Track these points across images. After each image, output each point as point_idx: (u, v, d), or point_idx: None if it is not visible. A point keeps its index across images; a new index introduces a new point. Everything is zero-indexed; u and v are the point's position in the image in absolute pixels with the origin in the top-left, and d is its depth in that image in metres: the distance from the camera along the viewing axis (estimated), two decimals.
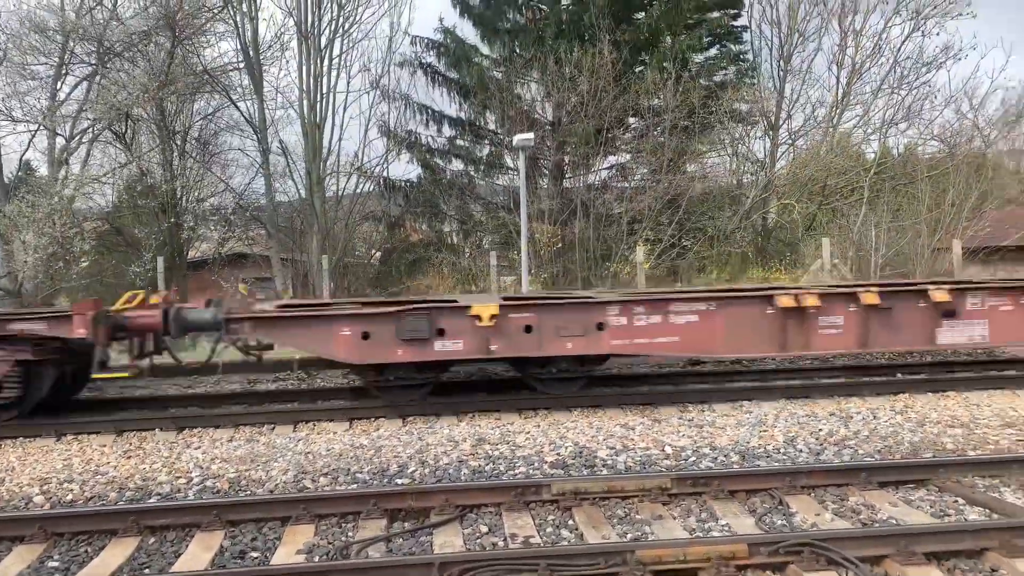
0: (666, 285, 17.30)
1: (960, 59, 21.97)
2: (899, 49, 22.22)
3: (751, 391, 8.47)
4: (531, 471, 5.95)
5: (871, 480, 5.38)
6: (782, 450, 6.36)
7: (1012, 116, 23.27)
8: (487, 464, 6.16)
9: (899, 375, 9.44)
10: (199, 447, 7.01)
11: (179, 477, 6.10)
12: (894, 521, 4.75)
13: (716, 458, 6.16)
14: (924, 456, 6.06)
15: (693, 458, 6.18)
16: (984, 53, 37.84)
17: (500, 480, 5.68)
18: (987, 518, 4.76)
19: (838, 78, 23.13)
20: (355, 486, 5.75)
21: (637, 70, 21.56)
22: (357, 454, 6.56)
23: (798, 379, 9.28)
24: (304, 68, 20.88)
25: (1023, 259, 17.97)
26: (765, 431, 6.93)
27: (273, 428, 7.61)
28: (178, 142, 21.29)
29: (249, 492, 5.70)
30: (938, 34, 22.35)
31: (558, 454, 6.35)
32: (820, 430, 6.91)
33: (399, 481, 5.83)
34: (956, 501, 5.11)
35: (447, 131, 23.06)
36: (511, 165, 22.10)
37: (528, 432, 7.09)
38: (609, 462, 6.12)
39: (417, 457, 6.39)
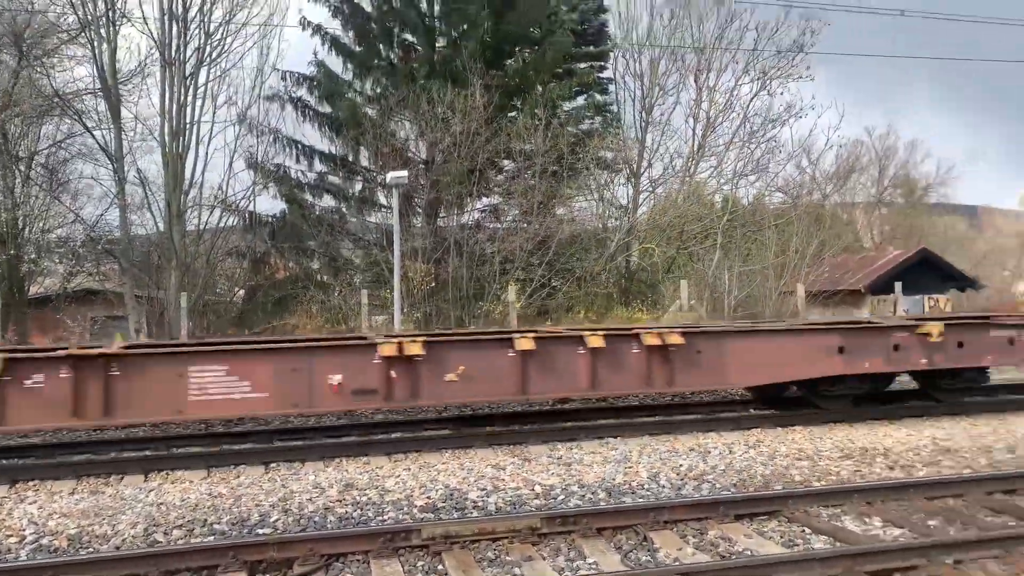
0: (538, 323, 17.61)
1: (801, 117, 24.01)
2: (748, 106, 24.05)
3: (617, 428, 8.74)
4: (400, 516, 5.83)
5: (728, 513, 5.64)
6: (646, 486, 6.57)
7: (844, 172, 25.62)
8: (355, 510, 5.98)
9: (751, 410, 10.01)
10: (35, 501, 6.40)
11: (9, 536, 5.54)
12: (749, 552, 4.99)
13: (584, 496, 6.27)
14: (775, 488, 6.43)
15: (562, 496, 6.27)
16: (821, 113, 41.61)
17: (368, 527, 5.53)
18: (831, 546, 5.10)
19: (694, 131, 24.71)
20: (212, 538, 5.42)
21: (510, 114, 22.10)
22: (215, 504, 6.20)
23: (660, 415, 9.68)
24: (167, 96, 19.99)
25: (856, 302, 19.69)
26: (630, 467, 7.14)
27: (122, 478, 7.08)
28: (21, 168, 19.71)
29: (92, 550, 5.25)
30: (782, 94, 24.32)
31: (428, 497, 6.27)
32: (681, 465, 7.20)
33: (260, 531, 5.55)
34: (803, 531, 5.44)
35: (318, 166, 22.65)
36: (384, 202, 21.95)
37: (398, 476, 6.96)
38: (480, 504, 6.09)
39: (280, 505, 6.11)
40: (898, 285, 18.25)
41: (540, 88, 21.97)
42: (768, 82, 23.87)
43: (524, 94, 22.36)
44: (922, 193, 31.17)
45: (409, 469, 7.19)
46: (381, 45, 22.87)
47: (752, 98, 24.16)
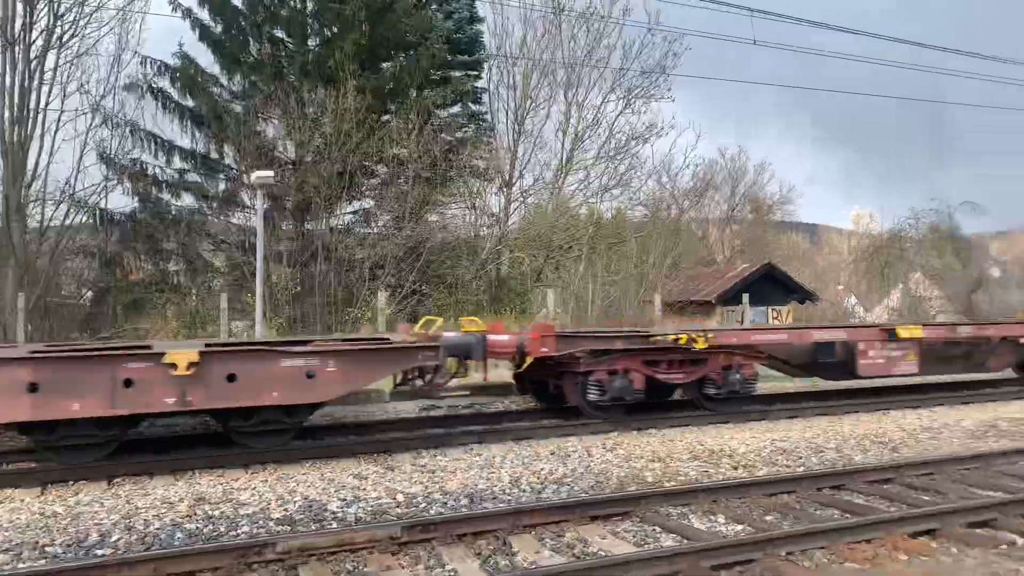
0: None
1: (662, 136, 25.29)
2: (614, 123, 25.02)
3: (482, 434, 8.85)
4: (255, 530, 5.64)
5: (585, 515, 5.84)
6: (508, 491, 6.69)
7: (700, 189, 27.12)
8: (206, 526, 5.73)
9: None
10: None
11: None
12: (603, 553, 5.18)
13: (447, 503, 6.31)
14: (630, 489, 6.71)
15: (424, 504, 6.27)
16: (680, 132, 43.86)
17: (219, 542, 5.31)
18: (678, 543, 5.38)
19: (563, 144, 25.43)
20: (43, 562, 5.04)
21: (383, 119, 21.89)
22: (49, 524, 5.76)
23: (526, 421, 9.87)
24: (8, 79, 18.39)
25: (708, 312, 20.90)
26: (492, 473, 7.25)
27: None
28: None
29: None
30: (645, 112, 25.55)
31: (286, 510, 6.10)
32: (542, 469, 7.38)
33: (99, 552, 5.21)
34: (654, 529, 5.71)
35: (178, 163, 21.49)
36: (248, 203, 21.13)
37: (254, 488, 6.72)
38: (340, 514, 6.00)
39: (123, 523, 5.76)
40: (745, 297, 19.51)
41: (415, 93, 21.92)
42: (633, 101, 24.97)
43: (399, 99, 22.23)
44: (768, 211, 33.62)
45: (266, 481, 6.97)
46: (251, 39, 22.06)
47: (617, 115, 25.19)
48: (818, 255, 40.11)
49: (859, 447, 8.64)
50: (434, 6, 24.02)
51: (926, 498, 6.43)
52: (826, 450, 8.48)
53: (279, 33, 22.14)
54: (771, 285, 22.63)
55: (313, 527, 5.71)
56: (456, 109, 24.68)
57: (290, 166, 21.31)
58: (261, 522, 5.79)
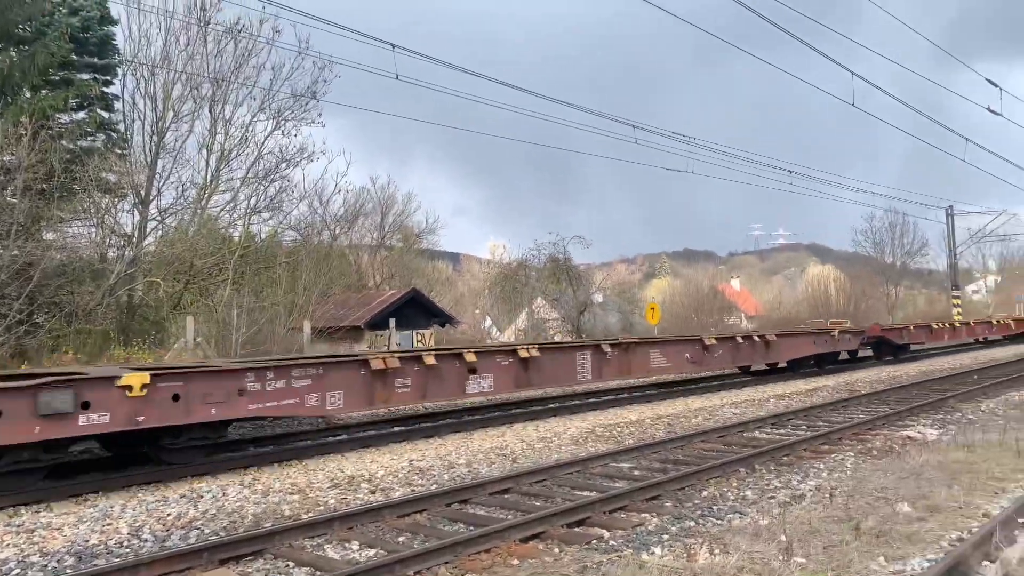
0: (12, 367, 14.99)
1: (313, 160, 25.24)
2: (264, 143, 24.34)
3: (103, 481, 7.97)
4: None
5: (213, 558, 5.58)
6: (126, 543, 6.11)
7: (351, 215, 27.57)
8: None
9: (251, 449, 10.05)
10: None
11: None
12: None
13: (47, 566, 5.56)
14: (265, 526, 6.57)
15: (18, 571, 5.46)
16: (332, 158, 44.11)
17: None
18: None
19: (208, 162, 24.03)
20: None
21: None
22: None
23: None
24: None
25: (357, 337, 21.26)
26: (109, 524, 6.56)
27: None
28: None
29: None
30: (296, 135, 25.23)
31: None
32: (169, 515, 6.88)
33: None
34: (288, 565, 5.66)
35: None
36: None
37: None
38: None
39: None
40: (392, 321, 20.27)
41: (28, 93, 19.07)
42: (283, 122, 24.55)
43: (8, 98, 19.14)
44: (416, 240, 35.39)
45: None
46: None
47: (267, 136, 24.56)
48: (460, 281, 43.17)
49: (486, 460, 9.47)
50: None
51: (537, 504, 7.29)
52: (457, 466, 9.16)
53: None
54: (416, 310, 23.77)
55: None
56: (81, 115, 21.99)
57: None
58: None
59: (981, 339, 34.42)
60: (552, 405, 14.34)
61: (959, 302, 41.40)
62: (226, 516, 6.87)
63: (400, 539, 6.27)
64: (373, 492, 7.86)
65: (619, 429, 11.81)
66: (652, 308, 25.47)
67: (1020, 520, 6.18)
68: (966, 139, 20.98)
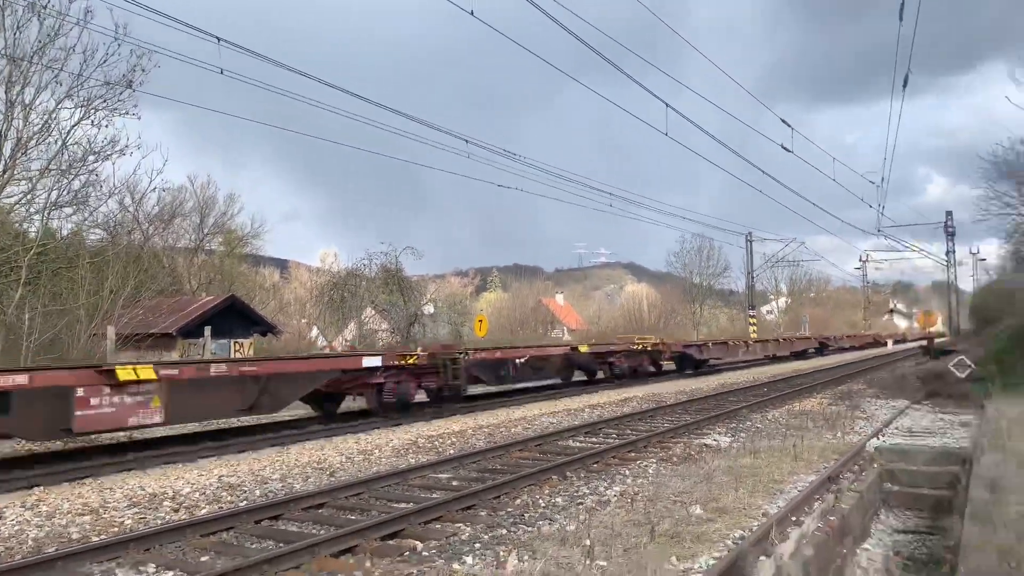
0: None
1: (126, 154, 23.27)
2: (69, 132, 22.22)
3: None
4: None
5: None
6: None
7: (167, 215, 25.85)
8: None
9: (37, 467, 9.16)
10: None
11: None
12: None
13: None
14: (46, 551, 6.01)
15: None
16: (146, 153, 40.93)
17: None
18: None
19: (2, 149, 21.59)
20: None
21: None
22: None
23: None
24: None
25: (168, 345, 19.90)
26: None
27: None
28: None
29: None
30: (107, 126, 23.21)
31: None
32: None
33: None
34: None
35: None
36: None
37: None
38: None
39: None
40: (207, 329, 19.19)
41: None
42: (93, 111, 22.56)
43: None
44: (239, 243, 33.62)
45: None
46: None
47: (74, 125, 22.44)
48: (287, 289, 41.64)
49: (302, 475, 9.21)
50: None
51: (353, 517, 7.19)
52: (271, 481, 8.84)
53: None
54: (235, 318, 22.60)
55: None
56: None
57: None
58: None
59: (770, 356, 38.33)
60: (376, 417, 14.20)
61: (755, 321, 45.49)
62: (1, 543, 6.21)
63: (203, 559, 5.97)
64: (176, 510, 7.42)
65: (441, 440, 11.90)
66: (480, 320, 25.90)
67: (793, 519, 6.93)
68: (762, 171, 23.15)
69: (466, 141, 16.46)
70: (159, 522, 6.96)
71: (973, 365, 22.10)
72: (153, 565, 5.77)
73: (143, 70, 22.46)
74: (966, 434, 12.05)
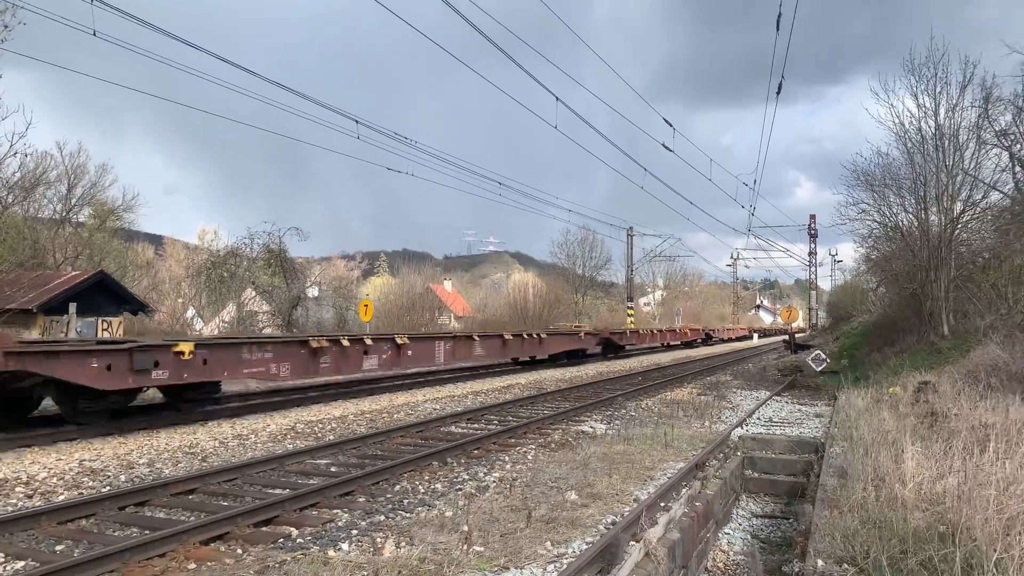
0: None
1: None
2: None
3: None
4: None
5: None
6: None
7: (30, 183, 23.96)
8: None
9: None
10: None
11: None
12: None
13: None
14: None
15: None
16: (6, 116, 37.57)
17: None
18: None
19: None
20: None
21: None
22: None
23: None
24: None
25: (27, 322, 18.46)
26: None
27: None
28: None
29: None
30: None
31: None
32: None
33: None
34: None
35: None
36: None
37: None
38: None
39: None
40: (72, 306, 17.96)
41: None
42: None
43: None
44: (110, 216, 31.49)
45: None
46: None
47: None
48: (163, 267, 39.47)
49: (172, 460, 8.86)
50: None
51: (224, 504, 6.97)
52: (138, 466, 8.46)
53: None
54: (103, 295, 21.23)
55: None
56: None
57: None
58: None
59: (666, 343, 41.71)
60: (254, 402, 13.79)
61: (632, 312, 47.05)
62: None
63: (59, 548, 5.66)
64: (30, 496, 6.99)
65: (321, 425, 11.71)
66: (366, 305, 25.49)
67: (662, 504, 7.28)
68: (645, 169, 23.89)
69: (356, 122, 16.12)
70: (10, 508, 6.53)
71: (828, 359, 23.82)
72: (1, 555, 5.42)
73: (5, 26, 20.71)
74: (819, 424, 12.99)
